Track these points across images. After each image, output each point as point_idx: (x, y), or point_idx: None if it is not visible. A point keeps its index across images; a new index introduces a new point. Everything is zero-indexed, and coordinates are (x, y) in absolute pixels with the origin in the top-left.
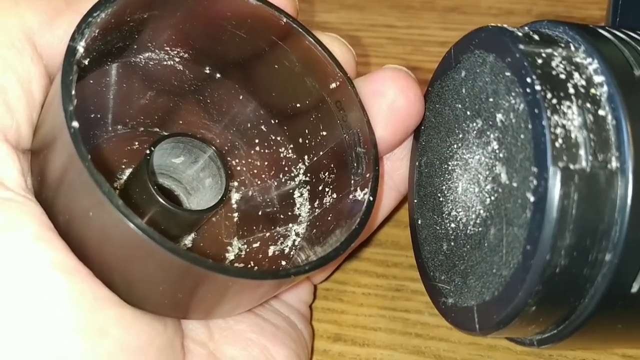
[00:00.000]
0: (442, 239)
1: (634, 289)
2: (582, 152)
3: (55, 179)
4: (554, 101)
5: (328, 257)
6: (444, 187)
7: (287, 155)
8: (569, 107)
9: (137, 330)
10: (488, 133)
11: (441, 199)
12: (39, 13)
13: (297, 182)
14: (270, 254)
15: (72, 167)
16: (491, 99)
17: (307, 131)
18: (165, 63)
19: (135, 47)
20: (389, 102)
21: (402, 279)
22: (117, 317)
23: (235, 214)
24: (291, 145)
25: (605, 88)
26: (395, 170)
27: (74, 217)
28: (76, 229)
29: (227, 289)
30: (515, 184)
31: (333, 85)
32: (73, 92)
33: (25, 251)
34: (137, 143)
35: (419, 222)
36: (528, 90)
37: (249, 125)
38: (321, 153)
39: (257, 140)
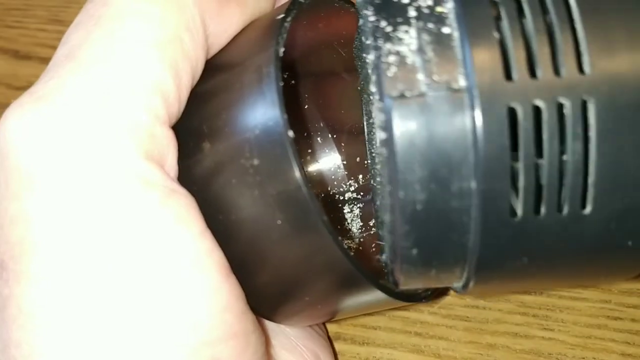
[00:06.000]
0: (377, 195)
1: (518, 216)
2: (420, 76)
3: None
4: (389, 29)
5: None
6: (372, 145)
7: (338, 171)
8: (406, 31)
9: (259, 334)
10: (368, 80)
11: (373, 156)
12: (211, 1)
13: (345, 198)
14: None
15: (281, 183)
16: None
17: (367, 152)
18: None
19: None
20: None
21: None
22: (254, 324)
23: None
24: (344, 162)
25: (451, 4)
26: None
27: (244, 223)
28: (240, 233)
29: (379, 307)
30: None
31: None
32: None
33: (192, 248)
34: None
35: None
36: (361, 22)
37: (304, 134)
38: None
39: (309, 150)
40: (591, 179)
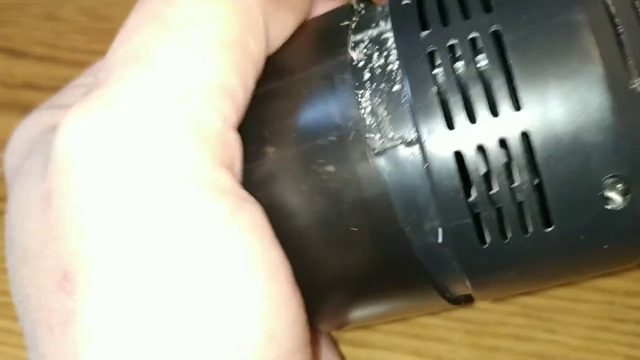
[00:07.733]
0: None
1: (488, 243)
2: (377, 136)
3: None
4: None
5: None
6: None
7: None
8: (362, 95)
9: (310, 347)
10: None
11: None
12: (270, 3)
13: None
14: None
15: (360, 190)
16: None
17: None
18: None
19: None
20: None
21: None
22: (309, 335)
23: None
24: None
25: (397, 63)
26: None
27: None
28: (308, 239)
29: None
30: None
31: None
32: None
33: (265, 260)
34: None
35: None
36: None
37: None
38: None
39: None
40: (547, 200)
